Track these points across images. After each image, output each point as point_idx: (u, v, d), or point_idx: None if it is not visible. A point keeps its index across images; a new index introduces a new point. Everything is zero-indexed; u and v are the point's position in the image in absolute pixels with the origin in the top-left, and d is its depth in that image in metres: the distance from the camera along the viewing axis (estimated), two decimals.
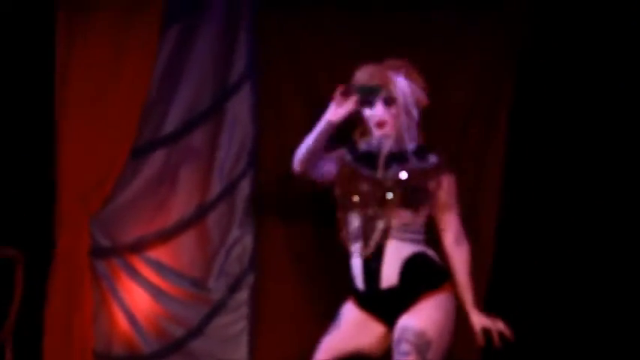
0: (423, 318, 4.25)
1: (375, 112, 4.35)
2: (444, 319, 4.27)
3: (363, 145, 4.47)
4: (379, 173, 4.36)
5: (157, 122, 5.21)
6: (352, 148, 4.50)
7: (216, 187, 5.22)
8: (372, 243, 4.31)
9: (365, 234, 4.33)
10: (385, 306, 4.34)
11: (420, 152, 4.38)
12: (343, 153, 4.49)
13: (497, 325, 4.27)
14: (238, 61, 5.24)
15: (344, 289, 4.83)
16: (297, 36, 5.30)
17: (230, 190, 5.22)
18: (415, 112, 4.36)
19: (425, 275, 4.31)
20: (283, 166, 5.24)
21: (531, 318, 5.12)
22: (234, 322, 5.19)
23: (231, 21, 5.24)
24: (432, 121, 4.97)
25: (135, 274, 5.18)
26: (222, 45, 5.23)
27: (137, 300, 5.18)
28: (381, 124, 4.35)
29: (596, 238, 5.14)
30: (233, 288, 5.20)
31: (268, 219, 5.27)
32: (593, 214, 5.13)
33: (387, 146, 4.37)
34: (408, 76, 4.35)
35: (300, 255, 5.27)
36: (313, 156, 4.39)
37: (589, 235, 5.14)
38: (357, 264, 4.40)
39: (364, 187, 4.36)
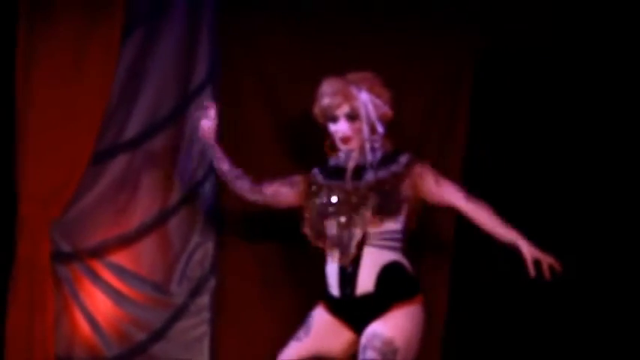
0: (392, 326, 4.31)
1: (339, 128, 4.41)
2: (413, 329, 4.34)
3: (332, 161, 4.52)
4: (348, 184, 4.41)
5: (119, 127, 5.22)
6: (320, 170, 4.55)
7: (177, 192, 5.25)
8: (350, 251, 4.36)
9: (341, 242, 4.38)
10: (357, 313, 4.40)
11: (389, 158, 4.43)
12: (302, 177, 4.54)
13: (548, 259, 4.25)
14: (200, 65, 5.27)
15: (306, 294, 4.92)
16: (258, 39, 5.34)
17: (191, 195, 5.25)
18: (380, 126, 4.40)
19: (399, 285, 4.37)
20: (244, 170, 5.30)
21: (494, 318, 5.21)
22: (196, 326, 5.23)
23: (192, 25, 5.27)
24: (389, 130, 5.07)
25: (96, 279, 5.19)
26: (183, 49, 5.25)
27: (99, 304, 5.18)
28: (344, 140, 4.43)
29: (556, 243, 5.23)
30: (194, 292, 5.23)
31: (230, 224, 5.30)
32: (550, 220, 5.21)
33: (354, 159, 4.42)
34: (371, 90, 4.40)
35: (261, 260, 5.32)
36: (233, 179, 4.56)
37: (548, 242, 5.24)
38: (332, 270, 4.45)
39: (336, 196, 4.41)
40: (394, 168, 4.42)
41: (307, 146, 5.24)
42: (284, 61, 5.32)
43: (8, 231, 5.09)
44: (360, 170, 4.45)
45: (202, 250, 5.25)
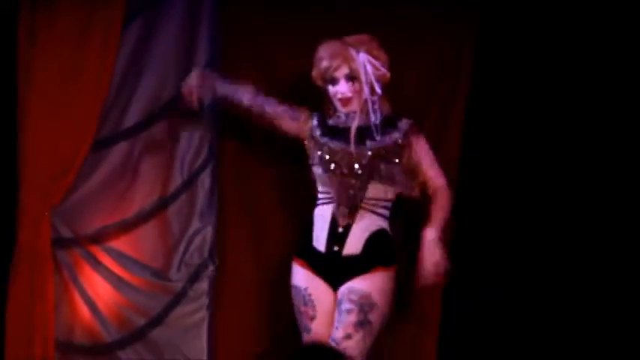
0: (370, 283, 4.41)
1: (339, 89, 4.42)
2: (389, 292, 4.43)
3: (330, 121, 4.54)
4: (352, 147, 4.42)
5: (119, 115, 5.26)
6: (319, 120, 4.54)
7: (177, 179, 5.29)
8: (355, 213, 4.37)
9: (339, 201, 4.39)
10: (339, 271, 4.45)
11: (389, 122, 4.46)
12: (306, 116, 4.54)
13: (439, 261, 4.36)
14: (200, 54, 5.28)
15: None
16: (259, 26, 5.35)
17: (191, 181, 5.28)
18: (378, 87, 4.40)
19: (383, 251, 4.42)
20: (244, 158, 5.35)
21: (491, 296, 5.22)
22: (195, 311, 5.27)
23: (192, 13, 5.28)
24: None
25: (96, 264, 5.25)
26: (183, 38, 5.28)
27: (99, 289, 5.25)
28: (344, 101, 4.44)
29: (552, 223, 5.23)
30: (193, 278, 5.27)
31: (229, 210, 5.33)
32: (549, 201, 5.20)
33: (356, 121, 4.42)
34: (369, 52, 4.41)
35: (260, 246, 5.34)
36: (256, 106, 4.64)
37: (545, 217, 5.23)
38: (322, 225, 4.48)
39: (338, 158, 4.43)
40: (395, 135, 4.45)
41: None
42: (284, 47, 5.32)
43: (9, 217, 5.17)
44: (360, 132, 4.46)
45: (201, 236, 5.28)
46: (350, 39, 4.48)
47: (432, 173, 4.55)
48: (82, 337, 5.24)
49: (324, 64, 4.45)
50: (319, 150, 4.54)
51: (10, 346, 5.12)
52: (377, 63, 4.42)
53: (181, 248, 5.28)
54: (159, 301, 5.24)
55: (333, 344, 4.38)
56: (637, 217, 5.14)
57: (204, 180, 5.29)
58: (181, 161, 5.29)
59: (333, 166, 4.47)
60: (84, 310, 5.23)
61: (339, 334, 4.38)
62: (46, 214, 5.17)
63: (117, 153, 5.27)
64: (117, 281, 5.24)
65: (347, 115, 4.50)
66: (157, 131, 5.29)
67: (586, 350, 5.16)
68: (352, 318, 4.34)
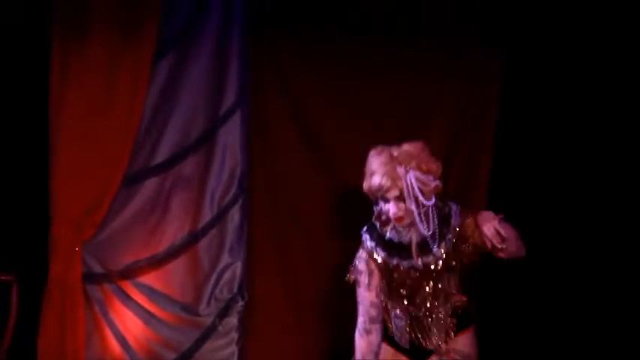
0: (464, 344, 4.41)
1: (390, 209, 4.34)
2: (476, 348, 4.44)
3: (388, 234, 4.44)
4: (416, 261, 4.39)
5: (150, 150, 5.32)
6: (375, 236, 4.46)
7: (207, 214, 5.32)
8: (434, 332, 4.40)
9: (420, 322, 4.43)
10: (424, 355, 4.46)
11: (443, 223, 4.37)
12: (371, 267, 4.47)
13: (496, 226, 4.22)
14: (229, 90, 5.34)
15: (333, 316, 4.95)
16: (288, 63, 5.42)
17: (221, 217, 5.32)
18: (428, 201, 4.31)
19: (464, 319, 4.45)
20: (274, 192, 5.38)
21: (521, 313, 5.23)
22: (225, 346, 5.29)
23: (221, 49, 5.35)
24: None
25: (127, 299, 5.27)
26: (213, 73, 5.34)
27: (129, 324, 5.27)
28: (397, 220, 4.35)
29: (580, 246, 5.24)
30: (223, 313, 5.29)
31: (259, 245, 5.36)
32: (577, 223, 5.22)
33: (415, 236, 4.38)
34: (418, 167, 4.32)
35: (289, 281, 5.37)
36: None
37: (575, 244, 5.25)
38: (400, 325, 4.47)
39: (407, 277, 4.43)
40: (450, 235, 4.37)
41: (338, 168, 5.31)
42: (313, 84, 5.40)
43: (42, 252, 5.19)
44: (422, 244, 4.41)
45: (231, 271, 5.31)
46: (399, 152, 4.34)
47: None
48: None
49: (375, 183, 4.33)
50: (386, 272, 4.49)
51: None
52: (425, 178, 4.32)
53: (211, 283, 5.31)
54: (189, 336, 5.27)
55: None
56: None
57: (234, 215, 5.32)
58: (211, 196, 5.32)
59: (403, 291, 4.47)
60: (114, 345, 5.25)
61: None
62: (77, 249, 5.20)
63: (147, 188, 5.31)
64: (147, 316, 5.27)
65: (404, 229, 4.43)
66: (187, 167, 5.33)
67: (590, 349, 5.16)
68: None
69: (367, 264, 4.41)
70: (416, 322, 4.42)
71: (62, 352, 5.13)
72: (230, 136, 5.33)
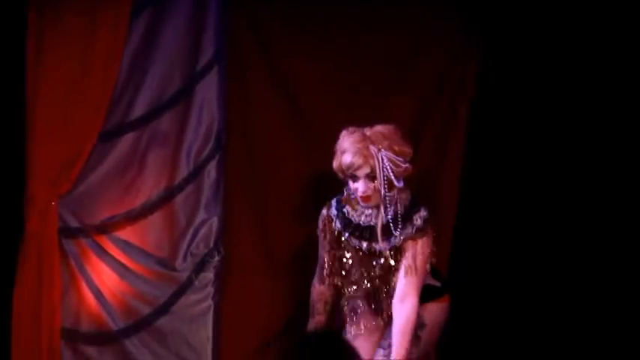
0: (421, 308, 4.45)
1: (359, 188, 4.42)
2: (439, 315, 4.48)
3: (349, 212, 4.53)
4: (376, 245, 4.47)
5: (127, 106, 5.30)
6: (340, 208, 4.55)
7: (183, 170, 5.33)
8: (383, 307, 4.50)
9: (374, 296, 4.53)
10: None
11: (407, 216, 4.45)
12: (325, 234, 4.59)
13: None
14: (207, 45, 5.31)
15: (309, 270, 4.99)
16: (266, 21, 5.39)
17: (197, 173, 5.33)
18: (397, 182, 4.39)
19: (430, 292, 4.50)
20: (251, 149, 5.40)
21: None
22: (200, 301, 5.32)
23: (199, 6, 5.31)
24: (394, 110, 5.13)
25: (103, 254, 5.29)
26: (191, 30, 5.31)
27: (105, 279, 5.29)
28: (364, 199, 4.43)
29: (550, 229, 5.28)
30: (199, 268, 5.31)
31: (235, 201, 5.38)
32: (548, 208, 5.25)
33: (379, 220, 4.45)
34: (391, 148, 4.37)
35: (265, 236, 5.40)
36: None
37: (545, 227, 5.29)
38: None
39: (354, 257, 4.47)
40: (409, 230, 4.44)
41: (314, 124, 5.32)
42: (290, 40, 5.38)
43: (17, 206, 5.20)
44: (383, 231, 4.46)
45: (207, 226, 5.33)
46: (372, 132, 4.42)
47: (404, 281, 4.44)
48: (88, 325, 5.28)
49: (346, 160, 4.41)
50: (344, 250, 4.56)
51: (17, 333, 5.16)
52: (398, 159, 4.38)
53: (187, 238, 5.33)
54: (165, 291, 5.29)
55: (381, 350, 4.44)
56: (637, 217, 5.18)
57: (211, 171, 5.33)
58: (188, 152, 5.33)
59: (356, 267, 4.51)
60: (90, 299, 5.28)
61: (385, 341, 4.44)
62: (54, 203, 5.21)
63: (124, 144, 5.31)
64: (123, 270, 5.29)
65: (366, 212, 4.48)
66: (164, 123, 5.33)
67: (585, 350, 5.21)
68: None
69: (324, 225, 4.53)
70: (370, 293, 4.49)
71: (38, 307, 5.16)
72: (207, 93, 5.32)
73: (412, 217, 4.43)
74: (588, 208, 5.24)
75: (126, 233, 5.31)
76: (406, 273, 4.41)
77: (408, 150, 4.41)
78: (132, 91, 5.29)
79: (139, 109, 5.30)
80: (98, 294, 5.27)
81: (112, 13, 5.15)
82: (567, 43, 5.21)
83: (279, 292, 5.36)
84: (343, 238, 4.51)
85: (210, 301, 5.32)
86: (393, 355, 4.37)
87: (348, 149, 4.38)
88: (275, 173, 5.38)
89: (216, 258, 5.32)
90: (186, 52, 5.31)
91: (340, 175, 4.47)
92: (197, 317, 5.31)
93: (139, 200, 5.31)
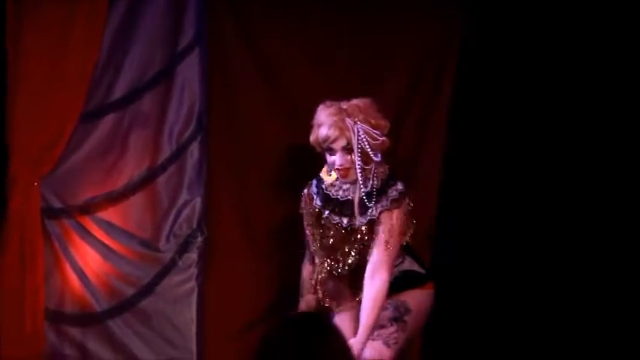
0: (405, 294, 4.45)
1: (335, 161, 4.40)
2: (423, 301, 4.48)
3: (327, 187, 4.52)
4: (350, 221, 4.45)
5: (108, 86, 5.29)
6: (319, 185, 4.55)
7: (166, 151, 5.33)
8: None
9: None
10: None
11: (383, 190, 4.42)
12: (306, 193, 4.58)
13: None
14: (188, 26, 5.32)
15: (291, 251, 5.00)
16: (247, 2, 5.36)
17: (179, 153, 5.33)
18: (375, 155, 4.36)
19: (409, 280, 4.49)
20: (233, 130, 5.39)
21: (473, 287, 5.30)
22: (184, 281, 5.33)
23: None
24: (377, 90, 5.12)
25: (86, 235, 5.29)
26: (171, 11, 5.31)
27: (88, 260, 5.29)
28: (341, 172, 4.42)
29: (534, 214, 5.30)
30: (182, 249, 5.32)
31: (218, 182, 5.38)
32: (532, 189, 5.27)
33: (357, 194, 4.43)
34: (367, 121, 4.35)
35: (248, 217, 5.41)
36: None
37: (525, 206, 5.31)
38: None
39: (338, 237, 4.47)
40: (383, 202, 4.41)
41: (295, 107, 5.31)
42: (271, 22, 5.37)
43: None
44: (359, 205, 4.44)
45: (190, 207, 5.34)
46: (349, 105, 4.39)
47: (376, 255, 4.38)
48: (72, 306, 5.28)
49: (322, 133, 4.39)
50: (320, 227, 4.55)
51: (0, 315, 5.15)
52: (374, 132, 4.35)
53: (170, 219, 5.33)
54: (148, 272, 5.30)
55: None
56: (632, 215, 5.21)
57: (193, 152, 5.34)
58: (170, 133, 5.33)
59: (331, 241, 4.50)
60: (74, 280, 5.27)
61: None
62: (36, 184, 5.20)
63: (106, 124, 5.30)
64: (106, 251, 5.29)
65: (346, 187, 4.47)
66: (146, 103, 5.32)
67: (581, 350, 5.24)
68: (387, 313, 4.39)
69: (305, 203, 4.56)
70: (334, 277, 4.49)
71: (22, 288, 5.14)
72: (188, 73, 5.32)
73: (387, 190, 4.40)
74: (572, 193, 5.26)
75: (108, 214, 5.31)
76: (378, 246, 4.36)
77: (384, 123, 4.40)
78: (112, 71, 5.28)
79: (119, 90, 5.29)
80: (82, 275, 5.27)
81: None
82: (554, 20, 5.21)
83: (263, 273, 5.37)
84: (324, 216, 4.50)
85: (193, 282, 5.33)
86: (360, 332, 4.33)
87: (324, 122, 4.38)
88: (257, 154, 5.39)
89: (200, 239, 5.33)
90: (167, 33, 5.30)
91: (317, 148, 4.46)
92: (181, 298, 5.32)
93: (121, 181, 5.31)
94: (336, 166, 4.41)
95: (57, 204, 5.27)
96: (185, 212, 5.33)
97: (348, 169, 4.39)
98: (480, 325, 5.28)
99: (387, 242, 4.36)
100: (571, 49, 5.22)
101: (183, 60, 5.30)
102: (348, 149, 4.37)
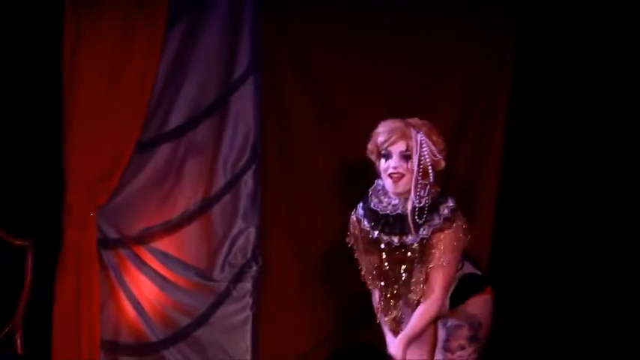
0: (471, 307, 4.38)
1: (390, 164, 4.30)
2: (489, 312, 4.39)
3: (374, 204, 4.41)
4: (406, 238, 4.36)
5: (163, 116, 5.34)
6: (367, 205, 4.45)
7: (220, 180, 5.35)
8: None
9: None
10: None
11: (433, 207, 4.33)
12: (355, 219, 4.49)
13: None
14: (242, 57, 5.35)
15: (345, 279, 4.98)
16: (300, 31, 5.40)
17: (234, 183, 5.34)
18: (431, 173, 4.29)
19: (466, 292, 4.41)
20: (286, 159, 5.40)
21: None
22: (238, 311, 5.32)
23: (234, 16, 5.35)
24: (432, 114, 5.09)
25: (141, 265, 5.31)
26: (226, 41, 5.34)
27: (144, 290, 5.31)
28: (394, 178, 4.31)
29: (588, 228, 5.23)
30: (237, 278, 5.32)
31: (272, 211, 5.38)
32: (586, 206, 5.20)
33: (409, 206, 4.32)
34: (428, 135, 4.30)
35: (302, 245, 5.39)
36: None
37: (583, 226, 5.24)
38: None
39: (388, 256, 4.42)
40: (435, 221, 4.32)
41: (351, 137, 5.29)
42: (326, 51, 5.38)
43: (56, 217, 5.23)
44: (404, 221, 4.35)
45: (245, 236, 5.34)
46: (412, 119, 4.36)
47: (431, 275, 4.31)
48: (127, 336, 5.30)
49: (381, 137, 4.32)
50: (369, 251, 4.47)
51: (56, 345, 5.18)
52: (434, 148, 4.32)
53: (225, 248, 5.34)
54: (203, 301, 5.30)
55: (443, 352, 4.37)
56: None
57: (247, 181, 5.34)
58: (224, 162, 5.34)
59: (386, 265, 4.46)
60: (129, 310, 5.30)
61: (452, 344, 4.35)
62: (92, 214, 5.24)
63: (161, 154, 5.34)
64: (161, 281, 5.31)
65: (397, 201, 4.36)
66: (200, 133, 5.35)
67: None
68: (465, 332, 4.33)
69: (354, 228, 4.45)
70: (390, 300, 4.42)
71: (78, 318, 5.18)
72: (243, 103, 5.34)
73: (439, 207, 4.31)
74: (629, 205, 5.17)
75: (164, 244, 5.33)
76: (433, 266, 4.30)
77: (443, 144, 4.35)
78: (168, 101, 5.32)
79: (175, 120, 5.33)
80: (137, 305, 5.29)
81: (148, 20, 5.19)
82: (605, 38, 5.16)
83: (318, 302, 5.34)
84: (373, 238, 4.43)
85: (248, 312, 5.32)
86: (399, 337, 4.29)
87: (385, 128, 4.33)
88: (311, 182, 5.38)
89: (254, 268, 5.32)
90: (222, 62, 5.33)
91: (373, 156, 4.36)
92: (236, 328, 5.31)
93: (176, 211, 5.33)
94: (390, 170, 4.30)
95: (113, 234, 5.31)
96: (240, 241, 5.33)
97: (402, 175, 4.31)
98: (538, 332, 5.21)
99: (441, 264, 4.30)
100: (624, 64, 5.16)
101: (237, 89, 5.33)
102: (405, 156, 4.30)
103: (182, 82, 5.33)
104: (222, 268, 5.33)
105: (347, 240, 4.48)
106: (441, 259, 4.29)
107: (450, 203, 4.32)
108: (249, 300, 5.32)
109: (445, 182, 4.49)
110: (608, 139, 5.24)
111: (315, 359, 5.24)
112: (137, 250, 5.32)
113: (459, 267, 4.39)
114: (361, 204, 4.47)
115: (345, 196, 5.20)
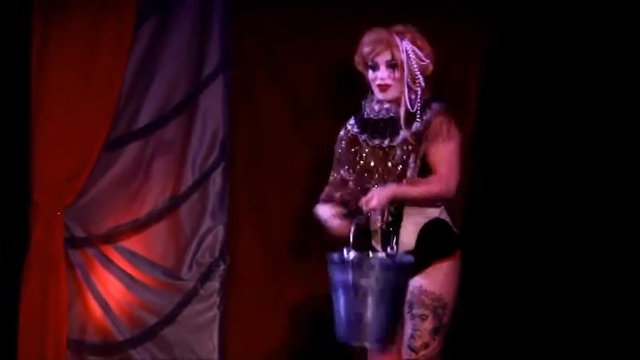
0: (438, 282, 4.27)
1: (378, 75, 4.28)
2: (455, 283, 4.31)
3: (367, 111, 4.36)
4: (389, 141, 4.27)
5: (131, 115, 5.31)
6: (357, 117, 4.40)
7: (188, 179, 5.34)
8: (391, 210, 4.26)
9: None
10: None
11: (424, 107, 4.27)
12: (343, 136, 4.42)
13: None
14: (211, 55, 5.33)
15: (313, 279, 4.97)
16: (270, 28, 5.38)
17: (202, 181, 5.33)
18: (421, 78, 4.27)
19: (439, 242, 4.31)
20: (255, 158, 5.39)
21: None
22: (206, 310, 5.32)
23: (204, 14, 5.33)
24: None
25: (109, 264, 5.29)
26: (195, 38, 5.32)
27: (111, 289, 5.29)
28: (382, 87, 4.28)
29: (559, 215, 5.25)
30: (205, 277, 5.31)
31: (240, 209, 5.37)
32: (558, 195, 5.23)
33: (402, 106, 4.25)
34: (413, 41, 4.28)
35: (271, 245, 5.39)
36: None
37: (553, 216, 5.27)
38: (374, 227, 4.38)
39: (375, 159, 4.35)
40: (427, 116, 4.25)
41: (321, 133, 5.29)
42: (295, 48, 5.36)
43: (22, 217, 5.20)
44: (396, 123, 4.29)
45: (213, 235, 5.34)
46: (395, 27, 4.32)
47: (434, 163, 4.24)
48: (94, 335, 5.29)
49: (367, 49, 4.28)
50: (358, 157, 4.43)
51: (22, 344, 5.16)
52: (420, 53, 4.29)
53: (193, 247, 5.33)
54: (170, 300, 5.30)
55: (408, 351, 4.33)
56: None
57: (216, 179, 5.34)
58: (193, 161, 5.33)
59: (369, 173, 4.37)
60: (96, 309, 5.28)
61: (416, 342, 4.31)
62: (59, 213, 5.21)
63: (129, 153, 5.32)
64: (129, 280, 5.29)
65: (387, 106, 4.30)
66: (169, 131, 5.33)
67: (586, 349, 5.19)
68: (428, 325, 4.29)
69: (344, 133, 4.39)
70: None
71: (44, 318, 5.16)
72: (212, 101, 5.33)
73: (430, 104, 4.27)
74: (597, 186, 5.19)
75: (131, 243, 5.31)
76: (431, 152, 4.21)
77: (429, 48, 4.31)
78: (137, 99, 5.30)
79: (143, 118, 5.31)
80: (104, 304, 5.27)
81: (116, 19, 5.15)
82: (576, 41, 5.19)
83: (285, 301, 5.34)
84: (361, 140, 4.33)
85: (216, 310, 5.32)
86: (394, 189, 4.19)
87: (369, 39, 4.28)
88: (280, 180, 5.38)
89: (222, 267, 5.32)
90: (191, 61, 5.32)
91: (360, 67, 4.31)
92: (203, 327, 5.31)
93: (144, 209, 5.31)
94: (377, 82, 4.27)
95: (80, 233, 5.28)
96: (207, 240, 5.33)
97: (389, 85, 4.29)
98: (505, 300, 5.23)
99: (439, 139, 4.21)
100: (595, 68, 5.18)
101: (207, 87, 5.32)
102: (392, 65, 4.26)
103: (151, 80, 5.30)
104: (190, 267, 5.32)
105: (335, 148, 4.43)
106: (439, 139, 4.21)
107: (443, 103, 4.30)
108: (216, 299, 5.32)
109: None
110: (583, 128, 5.23)
111: (282, 358, 5.23)
112: (104, 250, 5.30)
113: (440, 203, 4.33)
114: (352, 117, 4.44)
115: (315, 194, 5.20)
